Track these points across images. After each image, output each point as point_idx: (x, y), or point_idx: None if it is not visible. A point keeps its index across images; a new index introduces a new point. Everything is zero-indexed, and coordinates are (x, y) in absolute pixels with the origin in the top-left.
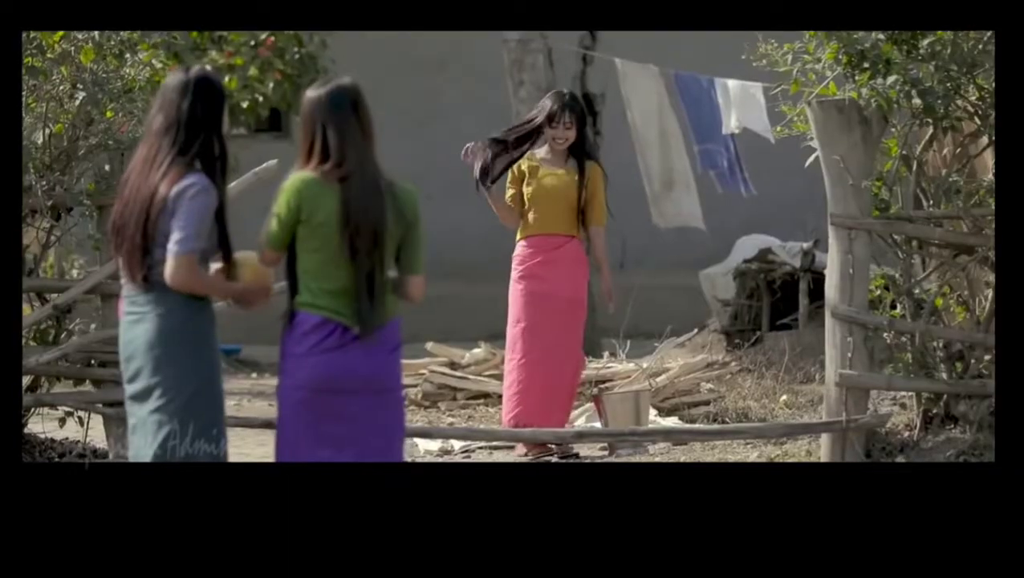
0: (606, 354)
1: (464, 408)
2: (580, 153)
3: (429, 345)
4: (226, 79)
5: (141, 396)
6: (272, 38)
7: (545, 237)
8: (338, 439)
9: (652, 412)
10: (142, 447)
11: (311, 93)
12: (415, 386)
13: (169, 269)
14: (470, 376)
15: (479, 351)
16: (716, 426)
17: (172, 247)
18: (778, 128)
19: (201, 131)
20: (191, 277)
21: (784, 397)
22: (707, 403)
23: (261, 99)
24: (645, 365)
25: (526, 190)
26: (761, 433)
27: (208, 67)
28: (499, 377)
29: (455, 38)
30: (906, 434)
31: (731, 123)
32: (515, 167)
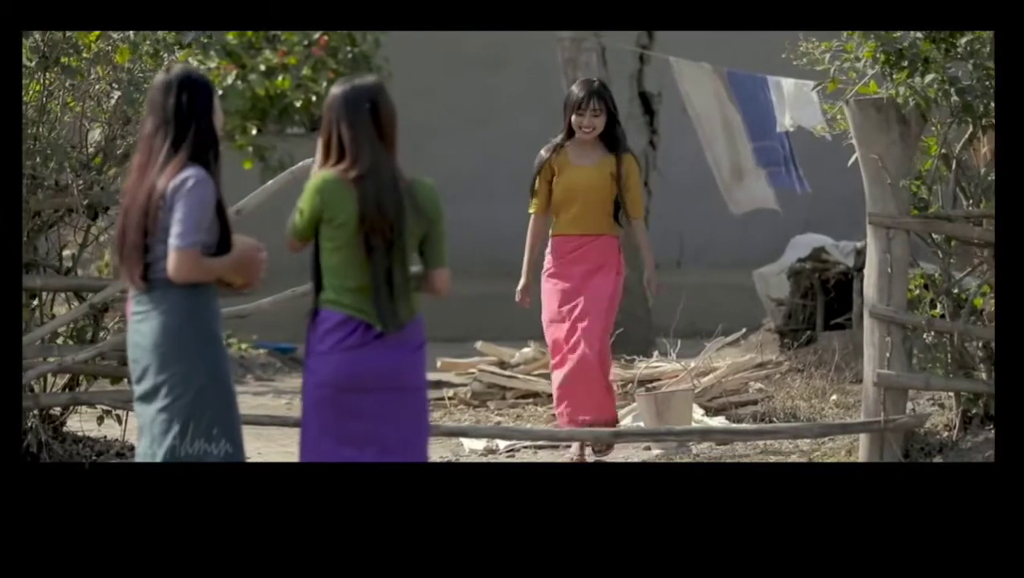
0: (656, 353)
1: (513, 407)
2: (612, 144)
3: (479, 344)
4: (279, 78)
5: (149, 395)
6: (326, 37)
7: (574, 237)
8: (360, 437)
9: (699, 412)
10: (149, 446)
11: (332, 91)
12: (465, 385)
13: (171, 264)
14: (519, 375)
15: (528, 350)
16: (752, 426)
17: (172, 241)
18: (818, 127)
19: (190, 126)
20: (195, 270)
21: (834, 397)
22: (755, 403)
23: (315, 98)
24: (692, 365)
25: (555, 188)
26: (798, 433)
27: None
28: (548, 376)
29: (512, 36)
30: (945, 434)
31: (785, 121)
32: (547, 163)
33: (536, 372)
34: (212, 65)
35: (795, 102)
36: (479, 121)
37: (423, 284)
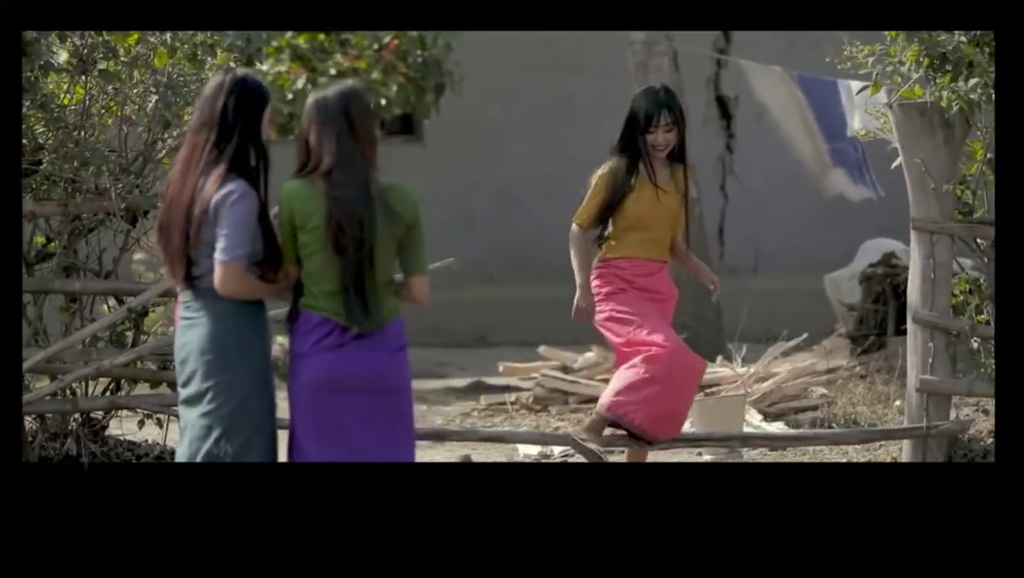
0: (719, 358)
1: (575, 412)
2: (680, 158)
3: (541, 348)
4: (349, 82)
5: (193, 399)
6: (396, 41)
7: (647, 262)
8: (340, 438)
9: (758, 417)
10: (188, 448)
11: (307, 100)
12: (529, 390)
13: (217, 278)
14: (581, 380)
15: (591, 355)
16: (793, 432)
17: (217, 256)
18: (863, 131)
19: (235, 131)
20: (240, 284)
21: (898, 402)
22: (815, 408)
23: (384, 102)
24: (752, 370)
25: (629, 207)
26: (840, 439)
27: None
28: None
29: (585, 40)
30: (989, 441)
31: (855, 125)
32: (626, 180)
33: (599, 377)
34: (283, 69)
35: (864, 106)
36: (553, 125)
37: (402, 291)
